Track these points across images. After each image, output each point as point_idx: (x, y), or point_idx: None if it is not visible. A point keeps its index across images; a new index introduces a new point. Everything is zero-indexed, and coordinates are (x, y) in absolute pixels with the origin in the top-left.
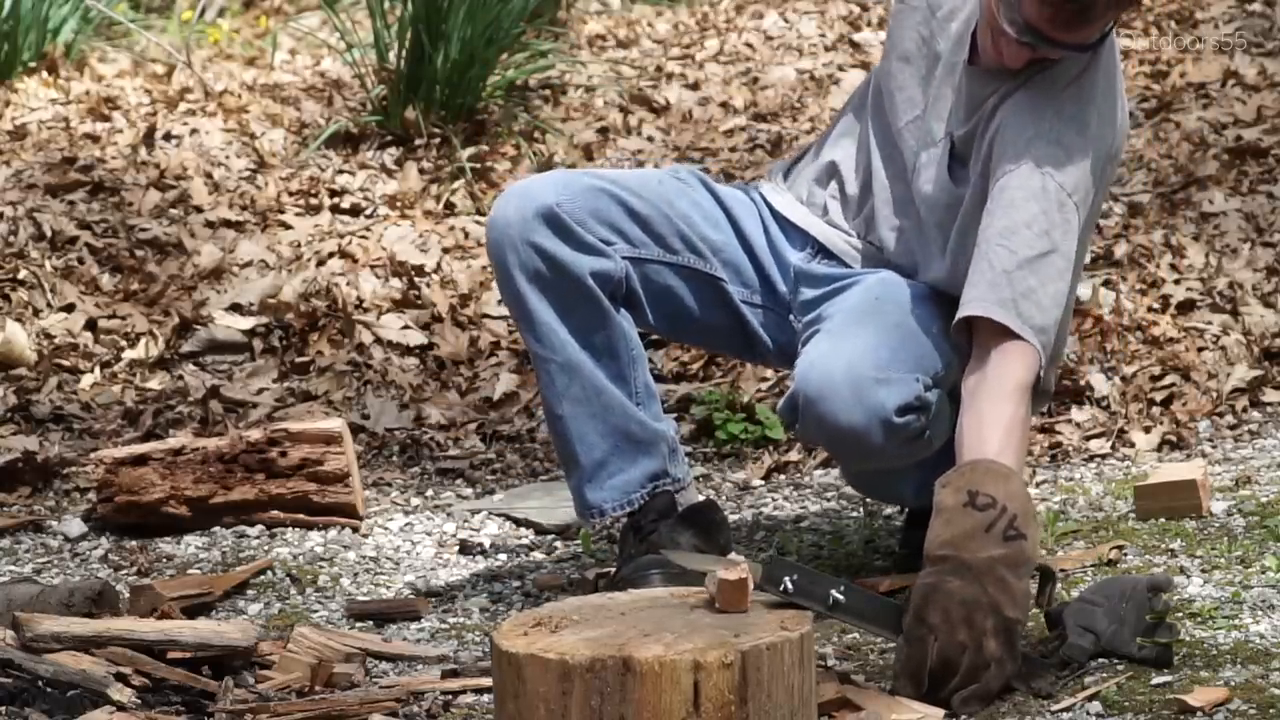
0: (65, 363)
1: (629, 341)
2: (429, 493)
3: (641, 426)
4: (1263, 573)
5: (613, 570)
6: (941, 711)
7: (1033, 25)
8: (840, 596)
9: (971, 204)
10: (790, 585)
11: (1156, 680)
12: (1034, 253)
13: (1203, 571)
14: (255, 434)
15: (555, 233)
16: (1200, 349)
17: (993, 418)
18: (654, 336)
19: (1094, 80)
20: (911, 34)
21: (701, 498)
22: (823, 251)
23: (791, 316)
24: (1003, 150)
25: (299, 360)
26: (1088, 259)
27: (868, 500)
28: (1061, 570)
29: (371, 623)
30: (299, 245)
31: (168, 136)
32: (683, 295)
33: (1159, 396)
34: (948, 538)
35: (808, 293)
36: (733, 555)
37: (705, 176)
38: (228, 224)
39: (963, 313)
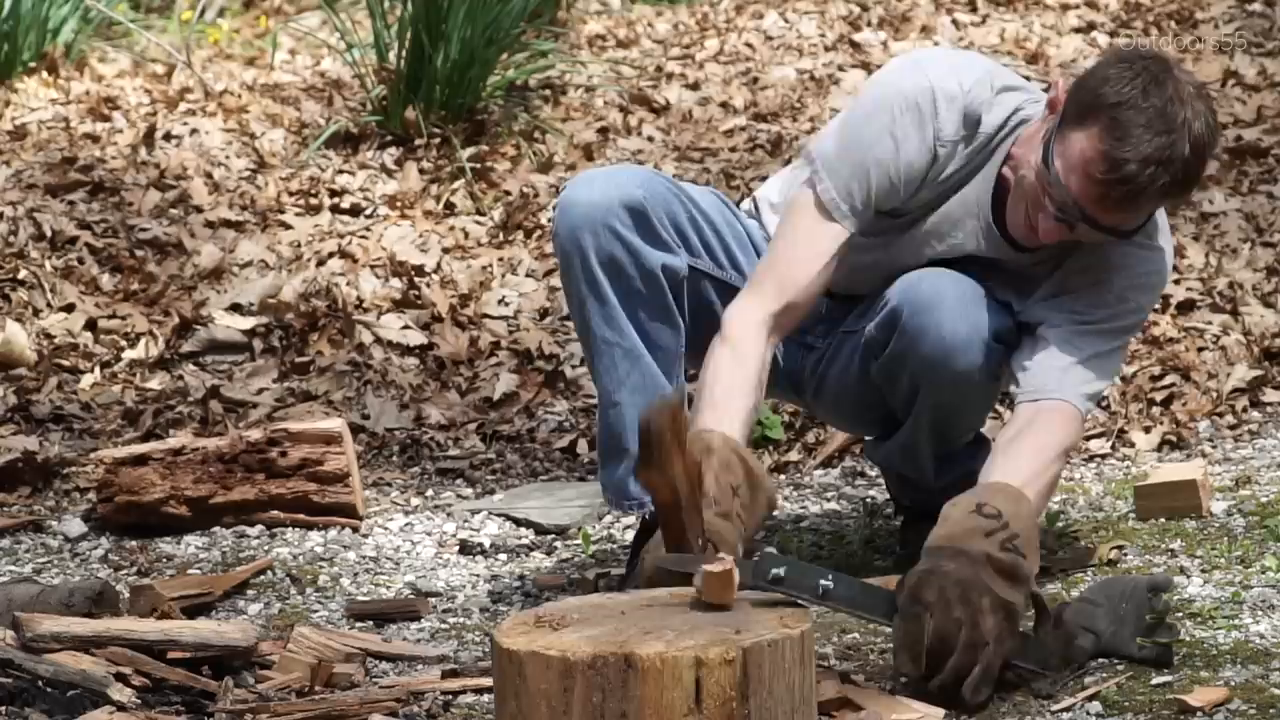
0: (65, 363)
1: (680, 339)
2: (429, 493)
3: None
4: (1263, 573)
5: (621, 573)
6: (942, 711)
7: (1078, 203)
8: (829, 584)
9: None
10: (780, 576)
11: (1156, 680)
12: (1107, 348)
13: (1203, 571)
14: (255, 434)
15: (636, 224)
16: (1200, 349)
17: (1029, 464)
18: None
19: None
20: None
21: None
22: (847, 299)
23: (811, 338)
24: (1080, 286)
25: (299, 360)
26: None
27: (868, 500)
28: (1061, 570)
29: (371, 623)
30: (299, 245)
31: (168, 136)
32: (719, 311)
33: (1159, 396)
34: (946, 534)
35: (833, 319)
36: (721, 554)
37: (726, 198)
38: (228, 224)
39: (1032, 399)
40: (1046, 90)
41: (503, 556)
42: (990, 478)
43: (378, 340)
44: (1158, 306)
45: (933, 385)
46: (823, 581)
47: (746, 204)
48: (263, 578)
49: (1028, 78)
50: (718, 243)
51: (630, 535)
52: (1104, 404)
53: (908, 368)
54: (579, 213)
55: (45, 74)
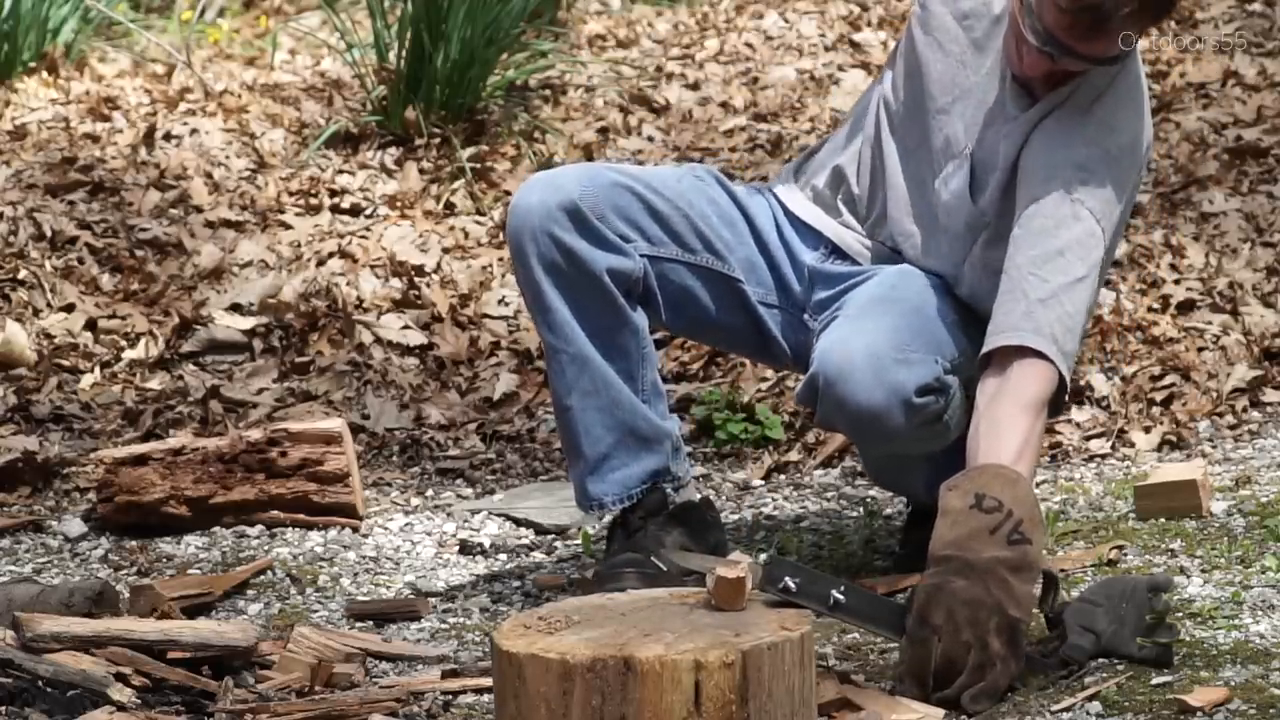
0: (65, 363)
1: (640, 339)
2: (429, 493)
3: (647, 423)
4: (1263, 573)
5: (593, 571)
6: (941, 712)
7: (1052, 33)
8: (841, 597)
9: (994, 230)
10: (791, 585)
11: (1156, 680)
12: (1066, 280)
13: (1203, 571)
14: (255, 434)
15: (576, 226)
16: (1200, 349)
17: (1009, 427)
18: (657, 335)
19: (1117, 99)
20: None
21: (699, 497)
22: (836, 251)
23: (806, 316)
24: (1031, 175)
25: (299, 360)
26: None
27: (868, 500)
28: (1061, 570)
29: (371, 623)
30: (299, 245)
31: (168, 136)
32: (699, 295)
33: (1159, 396)
34: (951, 538)
35: (823, 292)
36: (735, 554)
37: (720, 175)
38: (228, 224)
39: (999, 342)
40: None
41: (503, 556)
42: (978, 454)
43: (378, 340)
44: (1157, 306)
45: (866, 445)
46: (834, 593)
47: (788, 168)
48: (263, 578)
49: None
50: (687, 226)
51: None
52: (1104, 404)
53: (838, 429)
54: (519, 219)
55: (45, 74)
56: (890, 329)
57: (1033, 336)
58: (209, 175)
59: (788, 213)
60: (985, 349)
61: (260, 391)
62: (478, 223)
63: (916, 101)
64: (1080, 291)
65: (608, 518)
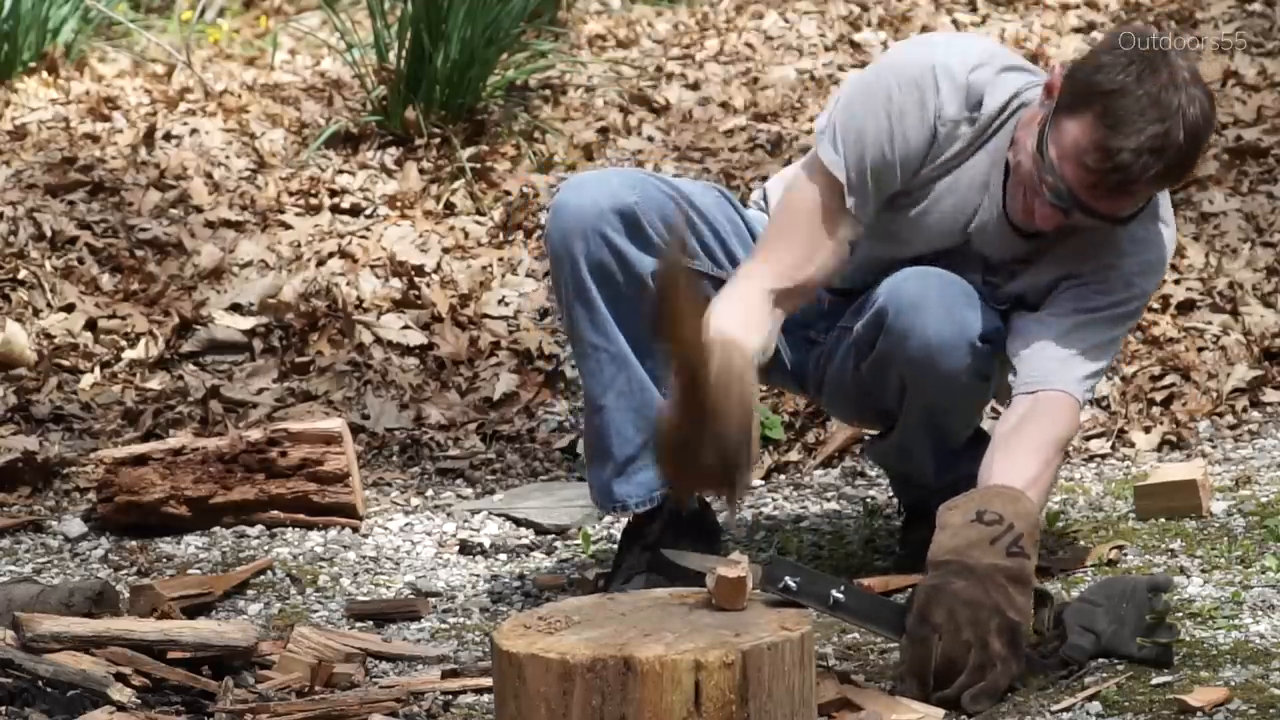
0: (65, 363)
1: None
2: (429, 493)
3: None
4: (1263, 573)
5: (609, 573)
6: (941, 712)
7: (1072, 190)
8: (841, 596)
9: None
10: (791, 585)
11: (1156, 680)
12: (1109, 337)
13: (1203, 571)
14: (255, 434)
15: (627, 229)
16: (1200, 349)
17: (1029, 462)
18: None
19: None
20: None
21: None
22: (847, 295)
23: (813, 333)
24: (1089, 279)
25: (299, 360)
26: None
27: (868, 500)
28: (1062, 570)
29: (371, 623)
30: (299, 245)
31: (168, 136)
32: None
33: (1159, 396)
34: (951, 545)
35: (835, 313)
36: (735, 554)
37: (729, 194)
38: (228, 224)
39: (1039, 388)
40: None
41: (503, 556)
42: (990, 476)
43: (378, 340)
44: (1157, 306)
45: (919, 386)
46: (834, 592)
47: (756, 194)
48: (263, 578)
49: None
50: (716, 242)
51: None
52: (1104, 404)
53: (894, 368)
54: (570, 217)
55: (45, 74)
56: (954, 279)
57: (1066, 382)
58: (209, 175)
59: None
60: (1022, 391)
61: (260, 391)
62: (478, 223)
63: (894, 200)
64: (1117, 345)
65: (607, 519)
